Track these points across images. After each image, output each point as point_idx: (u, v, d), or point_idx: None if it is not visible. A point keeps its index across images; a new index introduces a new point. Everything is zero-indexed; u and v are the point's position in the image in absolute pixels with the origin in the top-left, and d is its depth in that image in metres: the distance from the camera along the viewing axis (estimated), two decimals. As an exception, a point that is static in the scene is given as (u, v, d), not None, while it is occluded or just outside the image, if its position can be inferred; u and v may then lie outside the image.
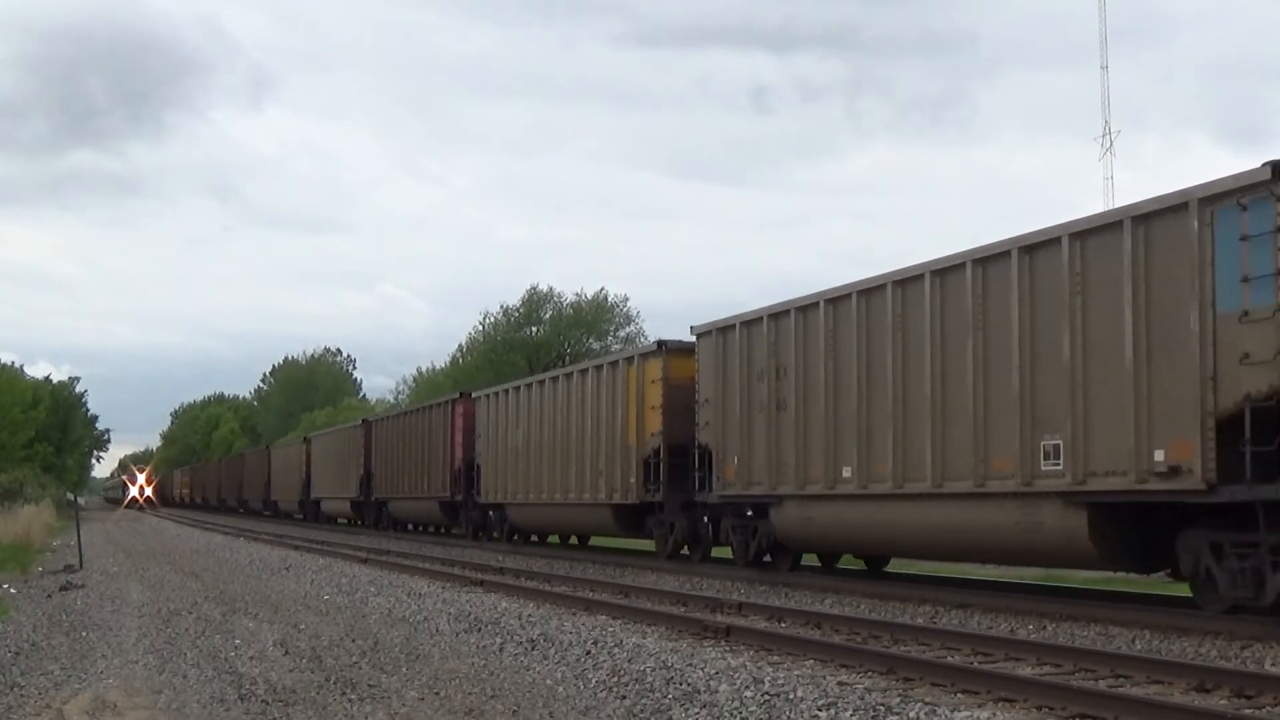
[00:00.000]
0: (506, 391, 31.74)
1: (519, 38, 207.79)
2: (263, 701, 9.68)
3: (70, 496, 69.25)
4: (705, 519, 22.28)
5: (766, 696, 9.17)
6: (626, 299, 65.77)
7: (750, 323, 20.24)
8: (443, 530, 39.29)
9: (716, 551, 23.04)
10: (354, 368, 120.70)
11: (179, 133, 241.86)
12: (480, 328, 67.55)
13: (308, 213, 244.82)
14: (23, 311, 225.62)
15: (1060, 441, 14.14)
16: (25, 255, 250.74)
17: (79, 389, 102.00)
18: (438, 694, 9.92)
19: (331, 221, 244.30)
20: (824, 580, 18.94)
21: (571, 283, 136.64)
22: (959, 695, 9.20)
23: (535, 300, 65.96)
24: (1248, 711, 8.36)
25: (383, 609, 16.23)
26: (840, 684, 9.59)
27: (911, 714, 8.42)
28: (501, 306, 67.29)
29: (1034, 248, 14.65)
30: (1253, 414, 11.85)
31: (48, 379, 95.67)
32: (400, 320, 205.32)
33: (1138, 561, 14.29)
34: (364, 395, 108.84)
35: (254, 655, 12.17)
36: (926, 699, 8.94)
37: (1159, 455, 12.89)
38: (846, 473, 17.84)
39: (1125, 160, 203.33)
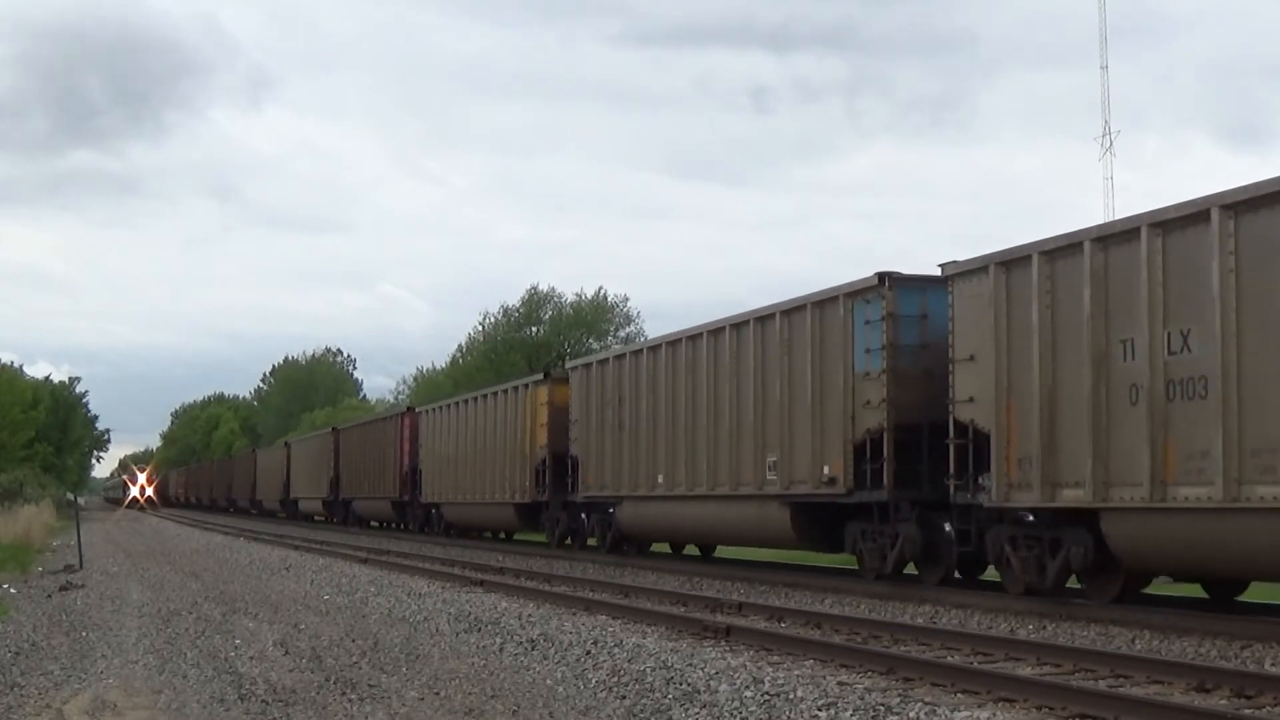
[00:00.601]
0: (443, 408, 37.20)
1: (518, 38, 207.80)
2: (263, 701, 9.68)
3: (70, 496, 69.28)
4: (581, 515, 27.58)
5: (766, 696, 9.17)
6: (626, 299, 65.83)
7: (603, 362, 26.26)
8: (395, 526, 44.02)
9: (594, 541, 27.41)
10: (354, 368, 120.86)
11: (178, 133, 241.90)
12: (480, 328, 67.62)
13: (307, 213, 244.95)
14: (22, 311, 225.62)
15: (776, 458, 19.41)
16: (25, 255, 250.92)
17: (79, 389, 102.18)
18: (438, 694, 9.93)
19: (331, 221, 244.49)
20: (822, 580, 18.96)
21: (571, 283, 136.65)
22: (959, 695, 9.20)
23: (535, 300, 65.96)
24: (1248, 711, 8.36)
25: (383, 609, 16.23)
26: (840, 684, 9.60)
27: (911, 714, 8.42)
28: (501, 306, 67.33)
29: (764, 319, 20.11)
30: (870, 443, 17.25)
31: (48, 379, 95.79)
32: (400, 320, 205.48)
33: (823, 544, 19.34)
34: (364, 395, 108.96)
35: (254, 655, 12.17)
36: (926, 699, 8.94)
37: (825, 470, 18.25)
38: (660, 479, 23.12)
39: (1125, 160, 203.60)
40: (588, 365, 26.61)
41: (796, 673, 10.19)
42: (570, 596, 16.83)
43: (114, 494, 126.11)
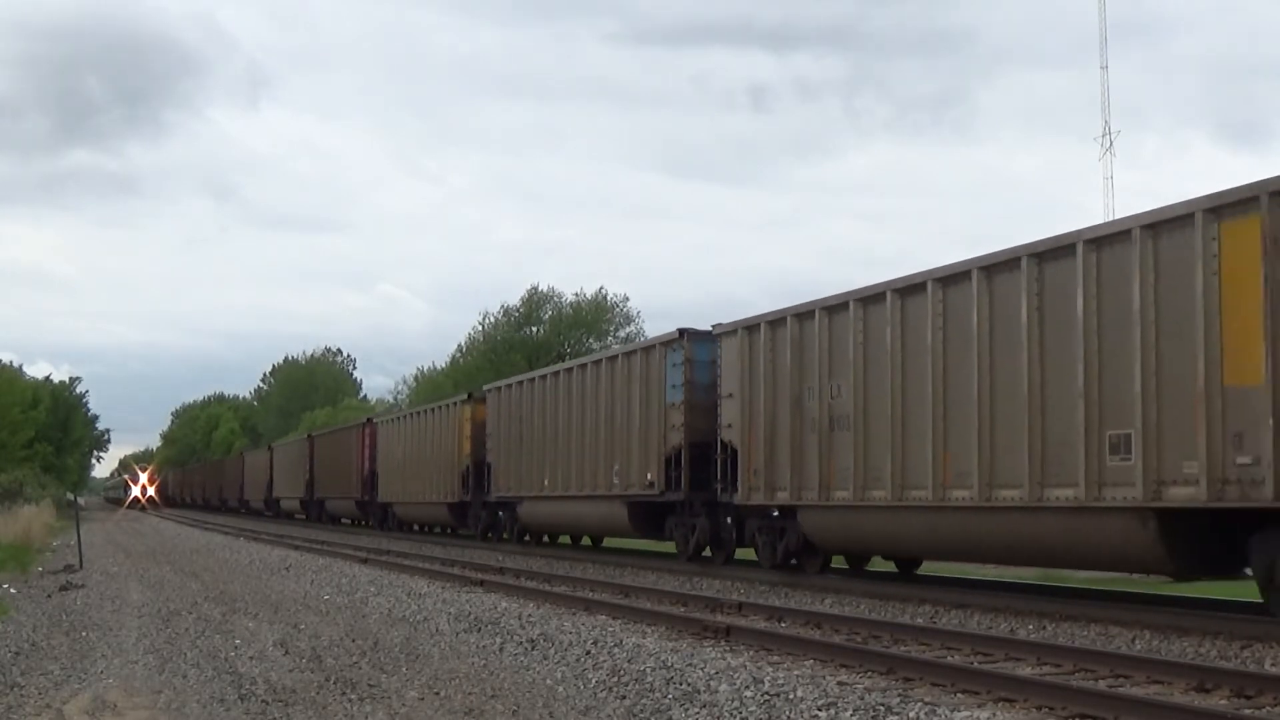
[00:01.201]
0: (396, 420, 42.76)
1: (516, 37, 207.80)
2: (263, 701, 9.68)
3: (70, 496, 69.30)
4: (497, 512, 32.85)
5: (766, 696, 9.17)
6: (626, 299, 65.96)
7: (509, 387, 31.61)
8: (358, 522, 49.41)
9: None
10: (354, 368, 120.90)
11: (177, 132, 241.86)
12: (480, 328, 67.68)
13: (306, 212, 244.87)
14: (21, 311, 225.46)
15: (618, 467, 24.69)
16: (23, 255, 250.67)
17: (79, 389, 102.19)
18: (438, 694, 9.93)
19: (330, 221, 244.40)
20: (821, 580, 18.98)
21: (569, 282, 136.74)
22: (959, 695, 9.20)
23: (535, 300, 66.04)
24: (1248, 711, 8.37)
25: (383, 609, 16.24)
26: (840, 684, 9.60)
27: (911, 714, 8.43)
28: (502, 306, 67.48)
29: (612, 359, 25.93)
30: (675, 456, 22.48)
31: (48, 379, 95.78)
32: (399, 320, 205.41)
33: (651, 533, 24.14)
34: (364, 395, 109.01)
35: (254, 655, 12.17)
36: (926, 699, 8.94)
37: (649, 476, 23.45)
38: (546, 482, 28.38)
39: (1125, 160, 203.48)
40: (498, 388, 31.38)
41: (796, 673, 10.19)
42: (570, 596, 16.83)
43: (114, 494, 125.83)
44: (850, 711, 8.56)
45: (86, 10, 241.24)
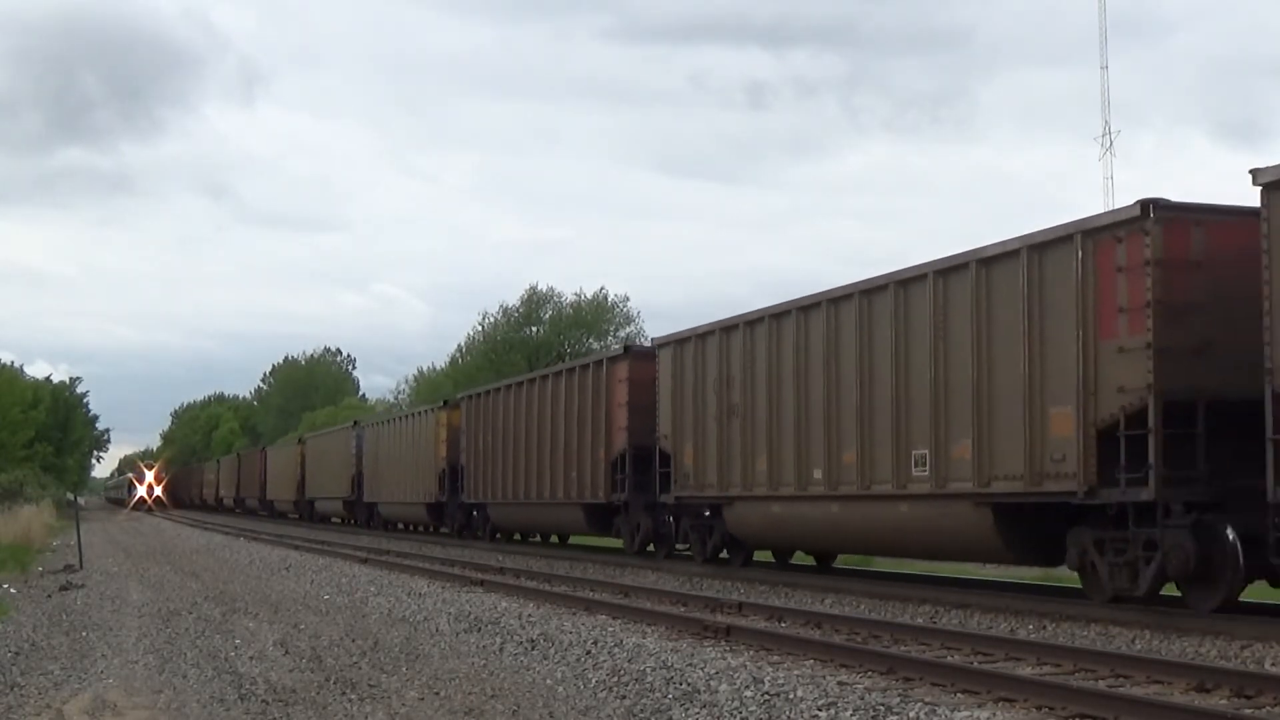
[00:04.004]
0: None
1: (511, 34, 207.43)
2: (263, 701, 9.68)
3: (70, 496, 69.30)
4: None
5: (766, 696, 9.17)
6: (627, 299, 65.89)
7: (478, 395, 34.24)
8: (346, 521, 51.32)
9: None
10: (354, 368, 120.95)
11: (171, 130, 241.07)
12: (480, 328, 67.66)
13: (302, 211, 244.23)
14: (18, 310, 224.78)
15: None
16: (18, 254, 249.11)
17: (80, 389, 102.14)
18: (438, 694, 9.93)
19: (326, 220, 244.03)
20: (821, 580, 19.00)
21: (567, 281, 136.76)
22: (959, 695, 9.20)
23: (535, 300, 65.99)
24: (1248, 711, 8.37)
25: (383, 609, 16.24)
26: (840, 684, 9.60)
27: (911, 714, 8.43)
28: (501, 306, 67.42)
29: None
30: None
31: (48, 379, 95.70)
32: (398, 319, 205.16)
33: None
34: (364, 395, 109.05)
35: (254, 655, 12.17)
36: (926, 699, 8.94)
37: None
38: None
39: (1122, 158, 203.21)
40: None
41: (796, 673, 10.20)
42: (570, 596, 16.84)
43: (116, 494, 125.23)
44: (850, 711, 8.56)
45: (79, 7, 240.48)
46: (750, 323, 20.29)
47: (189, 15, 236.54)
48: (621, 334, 63.71)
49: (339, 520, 52.80)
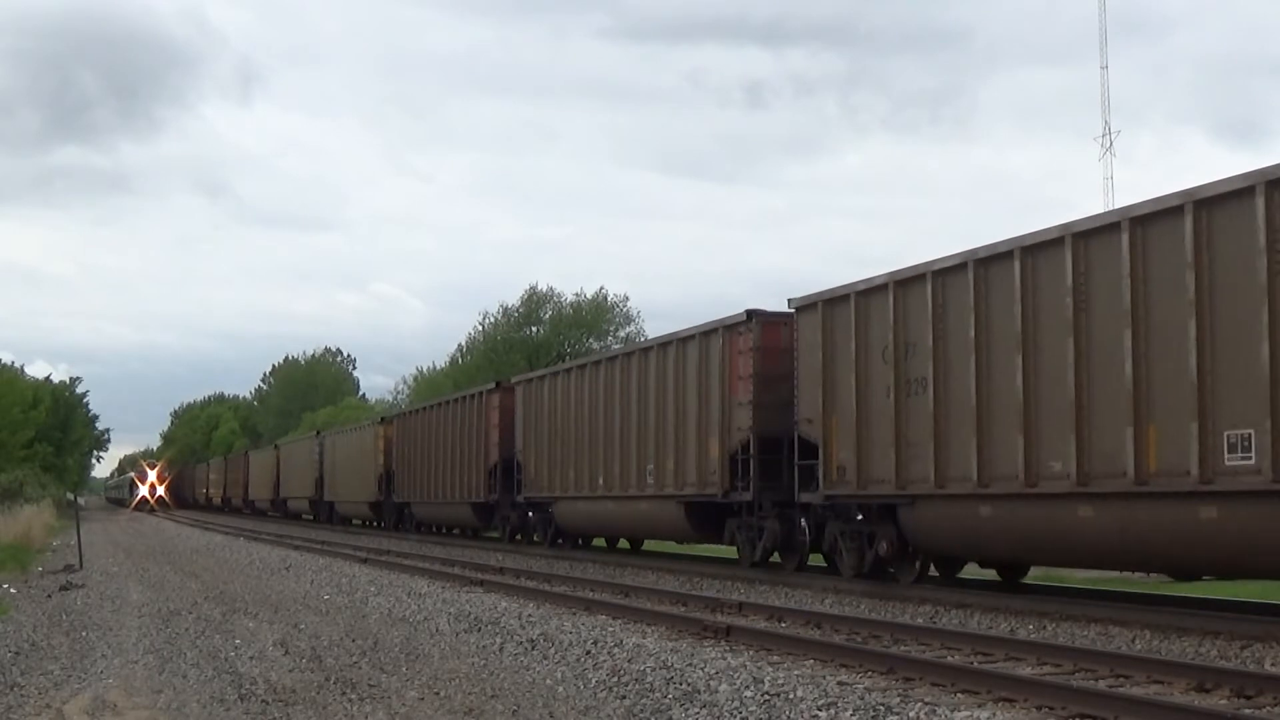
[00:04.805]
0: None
1: (507, 33, 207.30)
2: (263, 701, 9.68)
3: (70, 496, 69.27)
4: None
5: (766, 696, 9.17)
6: (626, 299, 65.88)
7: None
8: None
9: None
10: (354, 368, 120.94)
11: (168, 129, 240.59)
12: (480, 328, 67.67)
13: (299, 210, 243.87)
14: (16, 310, 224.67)
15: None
16: (15, 253, 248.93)
17: (80, 389, 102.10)
18: (438, 694, 9.93)
19: (323, 219, 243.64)
20: (822, 580, 18.97)
21: (565, 280, 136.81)
22: (959, 695, 9.21)
23: (535, 300, 66.00)
24: (1248, 711, 8.37)
25: (383, 609, 16.24)
26: (840, 684, 9.60)
27: (911, 714, 8.43)
28: (501, 306, 67.44)
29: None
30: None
31: (48, 379, 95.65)
32: (396, 319, 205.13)
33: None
34: (363, 395, 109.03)
35: (254, 655, 12.17)
36: (926, 699, 8.95)
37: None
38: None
39: (1122, 158, 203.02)
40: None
41: (796, 673, 10.20)
42: (570, 596, 16.84)
43: (117, 494, 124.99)
44: (850, 711, 8.56)
45: (77, 6, 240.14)
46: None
47: (186, 14, 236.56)
48: (621, 334, 63.74)
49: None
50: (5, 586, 20.54)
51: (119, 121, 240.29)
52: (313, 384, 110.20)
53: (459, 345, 71.24)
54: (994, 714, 8.49)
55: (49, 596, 18.96)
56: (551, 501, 29.11)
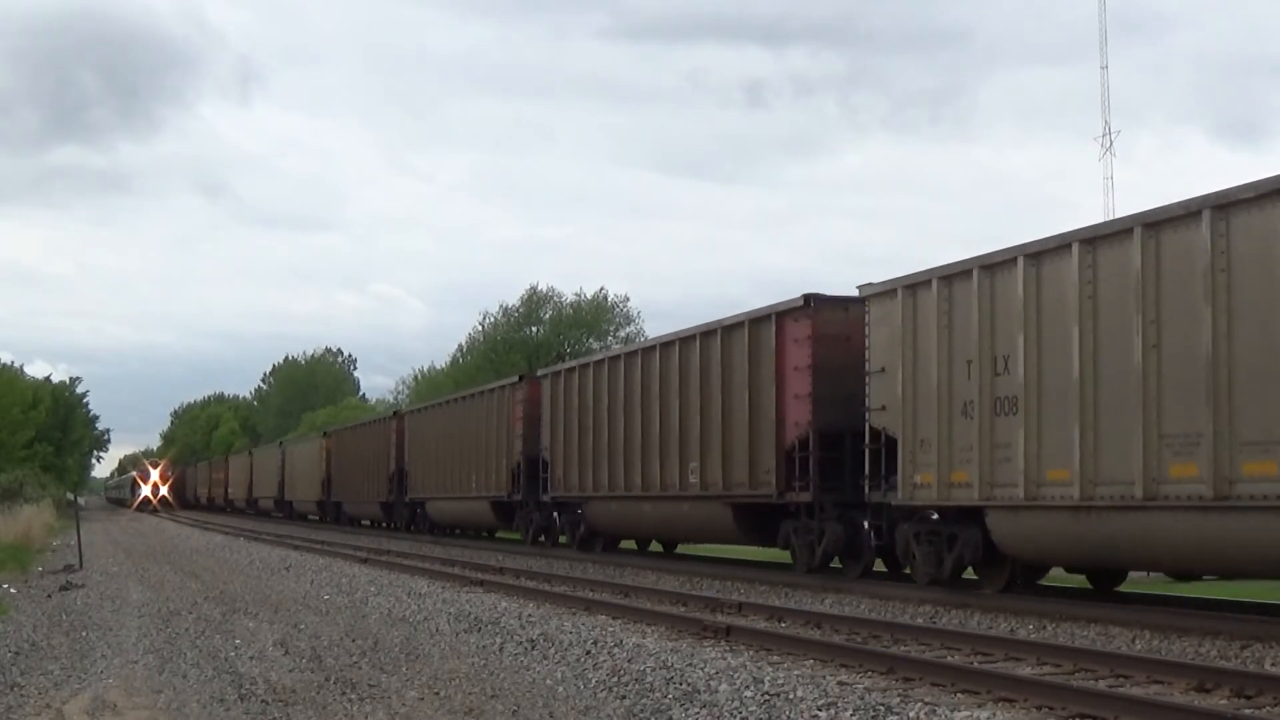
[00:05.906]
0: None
1: (507, 32, 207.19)
2: (263, 701, 9.68)
3: (70, 496, 69.29)
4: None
5: (766, 696, 9.18)
6: (627, 299, 65.83)
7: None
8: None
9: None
10: (354, 368, 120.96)
11: (167, 128, 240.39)
12: (480, 328, 67.66)
13: (298, 210, 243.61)
14: (16, 310, 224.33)
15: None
16: (14, 253, 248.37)
17: (80, 389, 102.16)
18: (438, 694, 9.93)
19: (323, 219, 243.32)
20: (822, 580, 18.94)
21: (565, 280, 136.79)
22: (959, 695, 9.21)
23: (535, 300, 65.96)
24: (1248, 711, 8.37)
25: (383, 609, 16.24)
26: (840, 684, 9.60)
27: (911, 714, 8.43)
28: (501, 306, 67.39)
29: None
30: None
31: (48, 379, 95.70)
32: (396, 319, 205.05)
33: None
34: (364, 395, 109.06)
35: (254, 655, 12.17)
36: (926, 699, 8.95)
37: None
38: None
39: (1122, 158, 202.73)
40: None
41: (796, 673, 10.20)
42: (570, 596, 16.84)
43: (118, 494, 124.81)
44: (850, 711, 8.56)
45: (75, 5, 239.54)
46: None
47: (185, 13, 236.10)
48: (622, 334, 63.71)
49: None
50: (5, 586, 20.54)
51: (118, 121, 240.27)
52: (313, 384, 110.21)
53: (459, 345, 71.27)
54: (994, 714, 8.49)
55: (49, 596, 18.96)
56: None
